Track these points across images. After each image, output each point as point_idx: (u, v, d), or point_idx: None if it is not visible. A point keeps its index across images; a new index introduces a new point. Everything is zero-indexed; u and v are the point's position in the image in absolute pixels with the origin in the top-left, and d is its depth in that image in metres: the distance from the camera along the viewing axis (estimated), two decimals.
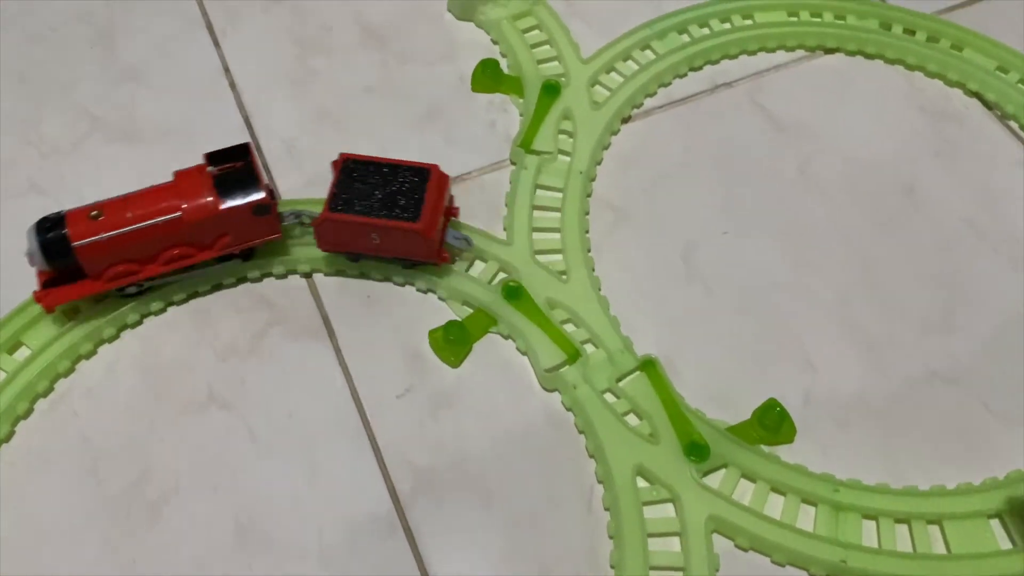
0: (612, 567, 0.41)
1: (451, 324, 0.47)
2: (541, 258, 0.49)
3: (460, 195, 0.52)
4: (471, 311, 0.48)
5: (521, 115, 0.56)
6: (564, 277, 0.49)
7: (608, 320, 0.47)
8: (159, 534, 0.41)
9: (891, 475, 0.44)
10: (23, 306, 0.46)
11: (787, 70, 0.59)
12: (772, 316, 0.49)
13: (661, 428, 0.44)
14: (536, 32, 0.59)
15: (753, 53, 0.59)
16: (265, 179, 0.45)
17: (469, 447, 0.44)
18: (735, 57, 0.59)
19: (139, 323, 0.48)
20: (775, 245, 0.51)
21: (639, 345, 0.47)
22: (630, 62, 0.58)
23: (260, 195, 0.44)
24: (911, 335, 0.48)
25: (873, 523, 0.42)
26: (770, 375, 0.47)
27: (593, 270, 0.50)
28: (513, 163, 0.54)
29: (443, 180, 0.47)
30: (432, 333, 0.47)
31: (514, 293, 0.47)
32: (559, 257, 0.50)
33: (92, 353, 0.46)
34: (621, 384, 0.45)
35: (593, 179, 0.53)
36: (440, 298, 0.49)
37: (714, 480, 0.43)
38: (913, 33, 0.60)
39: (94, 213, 0.43)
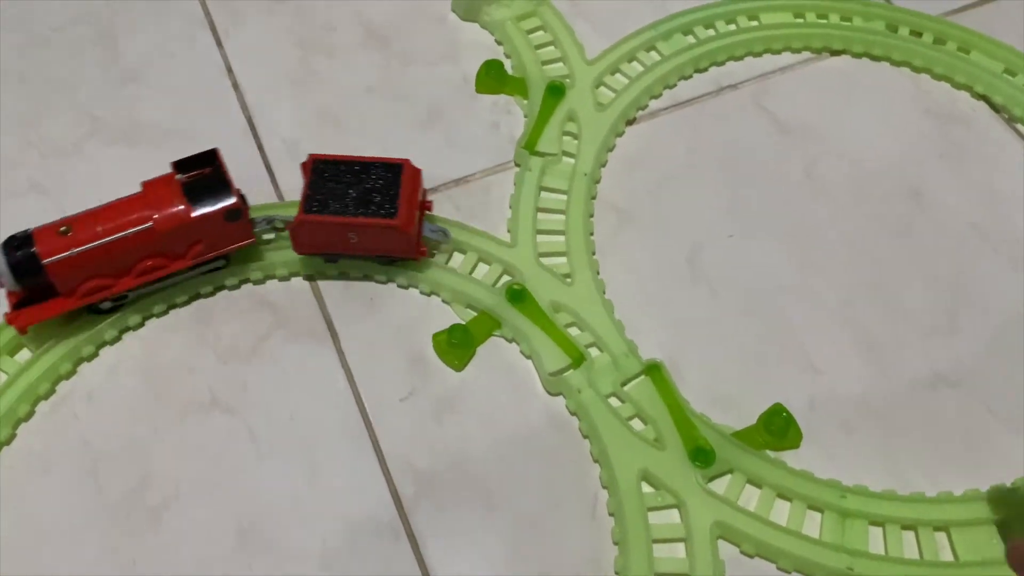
0: (616, 573, 0.40)
1: (455, 327, 0.46)
2: (545, 261, 0.49)
3: (463, 197, 0.52)
4: (475, 314, 0.48)
5: (525, 116, 0.55)
6: (568, 280, 0.48)
7: (613, 323, 0.47)
8: (160, 537, 0.41)
9: (897, 481, 0.43)
10: None
11: (793, 72, 0.59)
12: (777, 319, 0.48)
13: (666, 433, 0.43)
14: (540, 33, 0.59)
15: (759, 55, 0.59)
16: (235, 184, 0.44)
17: (472, 451, 0.44)
18: (740, 59, 0.59)
19: (140, 325, 0.47)
20: (780, 248, 0.51)
21: (644, 348, 0.47)
22: (635, 63, 0.58)
23: (231, 200, 0.44)
24: (917, 339, 0.48)
25: (880, 530, 0.42)
26: (775, 379, 0.46)
27: (598, 273, 0.49)
28: (517, 165, 0.53)
29: (416, 174, 0.47)
30: (436, 336, 0.47)
31: (518, 296, 0.47)
32: (563, 260, 0.49)
33: (94, 355, 0.46)
34: (626, 388, 0.45)
35: (598, 181, 0.53)
36: (444, 301, 0.48)
37: (720, 486, 0.43)
38: (920, 35, 0.59)
39: (63, 229, 0.42)
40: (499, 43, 0.59)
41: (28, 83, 0.57)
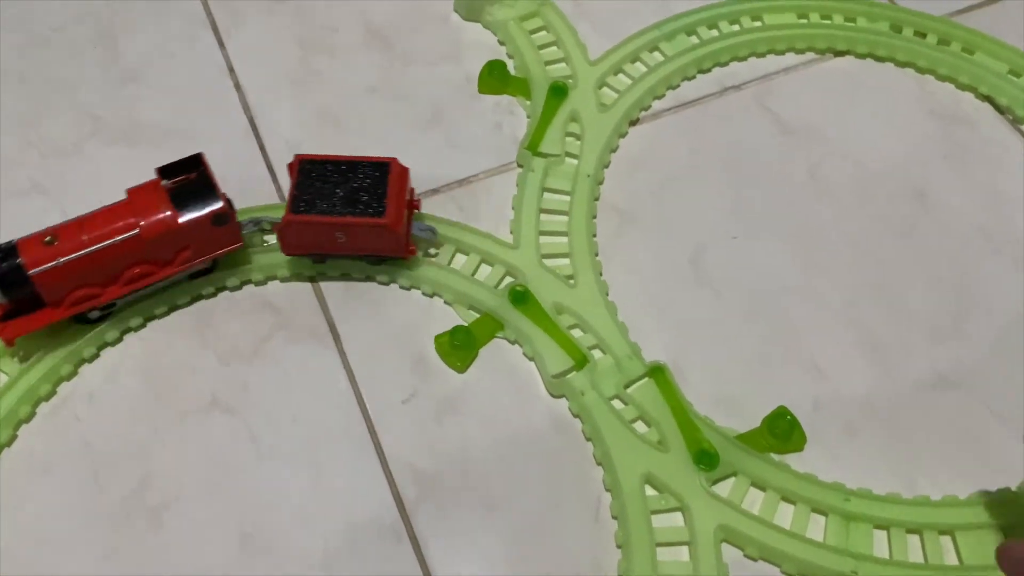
0: None
1: (457, 329, 0.46)
2: (548, 262, 0.49)
3: (466, 198, 0.52)
4: (477, 316, 0.47)
5: (528, 117, 0.55)
6: (571, 281, 0.48)
7: (616, 325, 0.47)
8: (161, 539, 0.41)
9: (902, 484, 0.43)
10: None
11: (797, 73, 0.58)
12: (781, 321, 0.48)
13: (670, 435, 0.43)
14: (543, 33, 0.59)
15: (762, 55, 0.59)
16: (221, 188, 0.44)
17: (475, 453, 0.44)
18: (744, 59, 0.59)
19: (142, 326, 0.47)
20: (784, 249, 0.51)
21: (647, 350, 0.46)
22: (638, 64, 0.57)
23: (218, 204, 0.43)
24: (921, 341, 0.48)
25: (884, 533, 0.42)
26: (779, 381, 0.46)
27: (601, 274, 0.49)
28: (520, 166, 0.53)
29: (403, 173, 0.47)
30: (438, 338, 0.46)
31: (521, 298, 0.47)
32: (566, 261, 0.49)
33: (95, 356, 0.46)
34: (629, 391, 0.45)
35: (600, 182, 0.53)
36: (446, 302, 0.48)
37: (723, 489, 0.42)
38: (924, 36, 0.59)
39: (48, 239, 0.41)
40: (502, 43, 0.59)
41: (28, 83, 0.56)
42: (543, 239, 0.50)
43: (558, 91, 0.55)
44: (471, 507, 0.42)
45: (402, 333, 0.47)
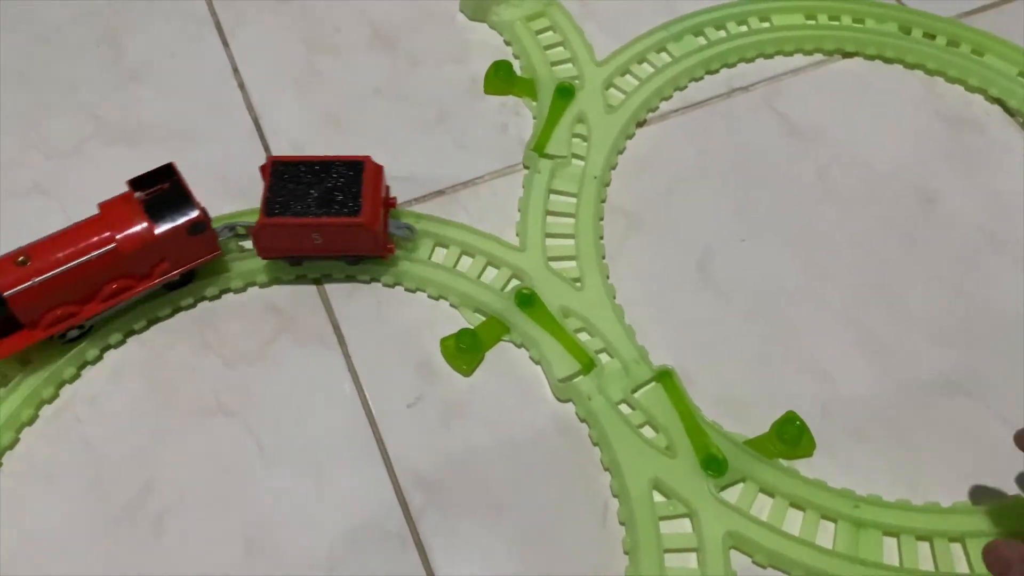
0: None
1: (463, 332, 0.46)
2: (555, 265, 0.48)
3: (471, 199, 0.52)
4: (483, 319, 0.47)
5: (534, 118, 0.55)
6: (578, 284, 0.48)
7: (623, 329, 0.46)
8: (163, 545, 0.41)
9: (912, 490, 0.43)
10: None
11: (804, 74, 0.58)
12: (790, 325, 0.48)
13: (678, 441, 0.43)
14: (550, 33, 0.58)
15: (770, 56, 0.58)
16: (195, 197, 0.43)
17: (481, 458, 0.43)
18: (752, 60, 0.58)
19: (145, 328, 0.47)
20: (792, 252, 0.50)
21: (654, 354, 0.46)
22: (645, 65, 0.57)
23: (194, 213, 0.43)
24: (931, 346, 0.47)
25: (894, 540, 0.41)
26: (788, 386, 0.46)
27: (608, 277, 0.49)
28: (526, 167, 0.53)
29: (378, 171, 0.46)
30: (444, 341, 0.46)
31: (527, 300, 0.47)
32: (573, 264, 0.49)
33: (98, 359, 0.46)
34: (636, 395, 0.45)
35: (607, 184, 0.52)
36: (452, 305, 0.48)
37: (732, 495, 0.42)
38: (933, 37, 0.58)
39: (21, 259, 0.41)
40: (508, 44, 0.59)
41: (30, 82, 0.56)
42: (549, 241, 0.49)
43: (565, 92, 0.54)
44: (477, 513, 0.42)
45: (407, 336, 0.47)
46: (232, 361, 0.46)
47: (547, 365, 0.45)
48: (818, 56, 0.59)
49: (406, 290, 0.48)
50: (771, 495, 0.42)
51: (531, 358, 0.46)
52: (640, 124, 0.55)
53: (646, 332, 0.47)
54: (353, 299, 0.48)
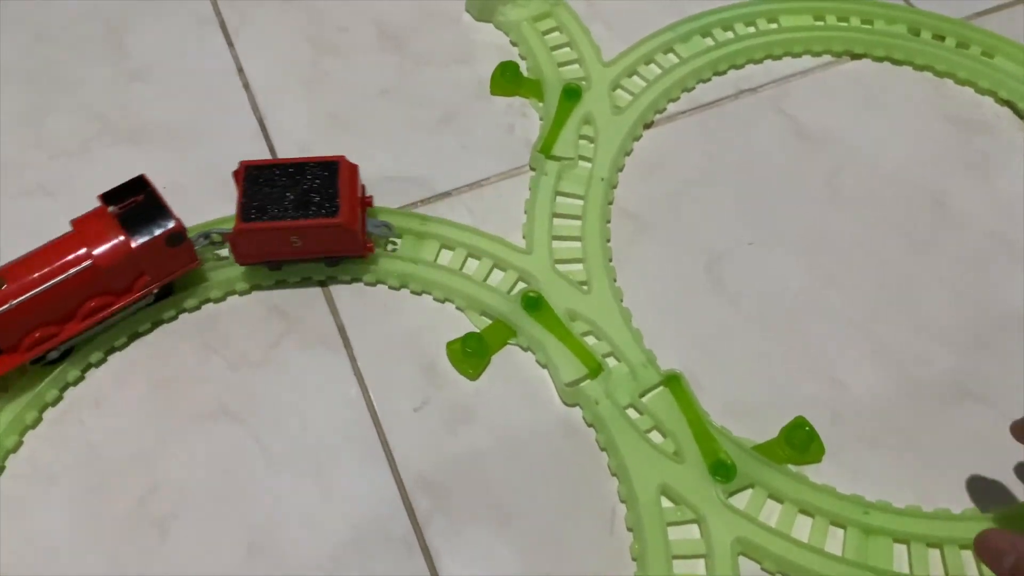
0: None
1: (469, 336, 0.45)
2: (561, 267, 0.48)
3: (477, 201, 0.51)
4: (489, 322, 0.47)
5: (541, 119, 0.54)
6: (585, 287, 0.47)
7: (630, 332, 0.46)
8: (167, 548, 0.40)
9: (922, 497, 0.42)
10: None
11: (813, 76, 0.58)
12: (798, 330, 0.47)
13: (686, 446, 0.43)
14: (556, 34, 0.58)
15: (778, 58, 0.58)
16: (170, 208, 0.43)
17: (487, 463, 0.43)
18: (760, 62, 0.58)
19: (150, 331, 0.46)
20: (801, 256, 0.50)
21: (662, 358, 0.46)
22: (652, 66, 0.57)
23: (171, 223, 0.42)
24: (941, 351, 0.47)
25: (904, 547, 0.41)
26: (797, 391, 0.46)
27: (615, 280, 0.48)
28: (532, 169, 0.52)
29: (353, 170, 0.46)
30: (450, 345, 0.46)
31: (534, 304, 0.46)
32: (580, 267, 0.48)
33: (102, 361, 0.45)
34: (644, 400, 0.44)
35: (615, 186, 0.52)
36: (457, 308, 0.47)
37: (740, 501, 0.42)
38: (942, 39, 0.58)
39: None
40: (514, 44, 0.58)
41: (34, 82, 0.56)
42: (556, 244, 0.49)
43: (571, 93, 0.54)
44: (484, 518, 0.41)
45: (413, 339, 0.46)
46: (236, 364, 0.46)
47: (554, 369, 0.45)
48: (827, 58, 0.58)
49: (412, 292, 0.48)
50: (780, 501, 0.42)
51: (538, 362, 0.46)
52: (647, 126, 0.55)
53: (654, 336, 0.46)
54: (358, 301, 0.48)
